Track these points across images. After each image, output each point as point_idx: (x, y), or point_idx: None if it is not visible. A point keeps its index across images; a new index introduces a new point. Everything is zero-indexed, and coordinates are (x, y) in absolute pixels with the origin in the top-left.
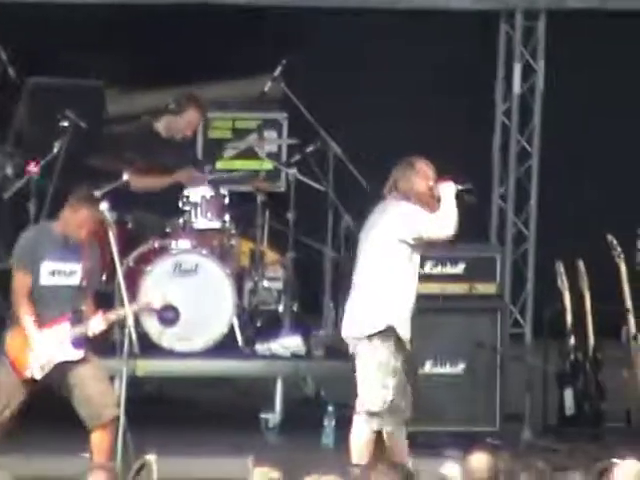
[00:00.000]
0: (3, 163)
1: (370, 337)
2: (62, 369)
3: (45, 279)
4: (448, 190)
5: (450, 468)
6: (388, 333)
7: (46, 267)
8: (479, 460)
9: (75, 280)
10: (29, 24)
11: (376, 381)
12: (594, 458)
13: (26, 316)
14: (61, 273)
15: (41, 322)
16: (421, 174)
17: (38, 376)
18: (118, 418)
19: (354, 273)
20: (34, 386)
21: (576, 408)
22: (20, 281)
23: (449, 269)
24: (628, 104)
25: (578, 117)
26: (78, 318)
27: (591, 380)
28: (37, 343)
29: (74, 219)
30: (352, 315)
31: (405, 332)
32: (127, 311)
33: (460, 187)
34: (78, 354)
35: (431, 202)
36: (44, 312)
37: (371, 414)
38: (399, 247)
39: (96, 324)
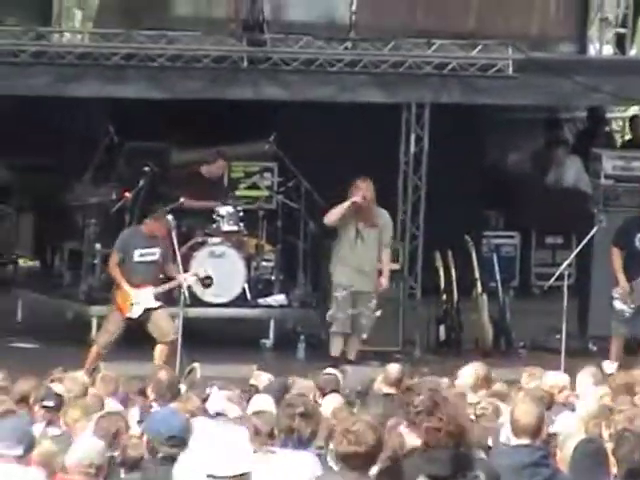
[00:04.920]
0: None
1: None
2: (147, 312)
3: (137, 258)
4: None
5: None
6: None
7: (137, 252)
8: (391, 367)
9: (155, 258)
10: (126, 111)
11: None
12: (455, 366)
13: (125, 282)
14: (146, 255)
15: (134, 284)
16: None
17: (134, 316)
18: (176, 340)
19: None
20: (130, 322)
21: (446, 337)
22: (116, 261)
23: None
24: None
25: (445, 166)
26: (159, 282)
27: (455, 320)
28: (134, 297)
29: (152, 224)
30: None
31: None
32: (184, 278)
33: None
34: (156, 304)
35: None
36: (136, 278)
37: None
38: None
39: (176, 282)
